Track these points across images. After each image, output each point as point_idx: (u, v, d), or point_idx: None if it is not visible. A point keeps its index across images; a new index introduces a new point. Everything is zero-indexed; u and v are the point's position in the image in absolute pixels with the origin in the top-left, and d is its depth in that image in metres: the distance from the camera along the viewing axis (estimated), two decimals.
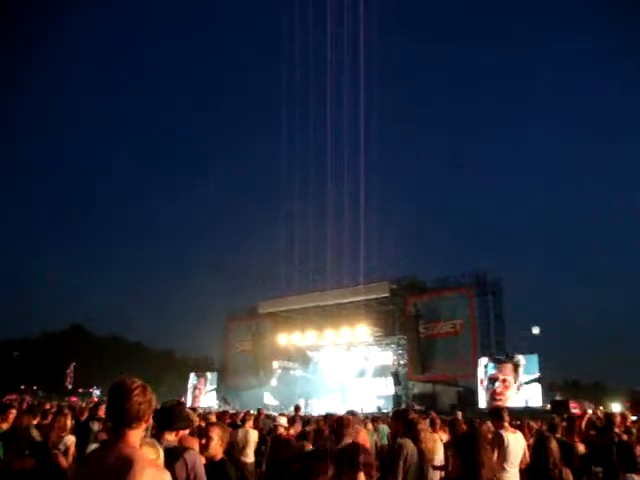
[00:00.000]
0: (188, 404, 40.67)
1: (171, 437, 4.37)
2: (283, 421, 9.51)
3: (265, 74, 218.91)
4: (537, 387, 30.05)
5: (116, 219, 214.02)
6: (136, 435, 2.72)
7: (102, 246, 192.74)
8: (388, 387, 37.83)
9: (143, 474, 2.53)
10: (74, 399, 42.97)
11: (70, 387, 49.84)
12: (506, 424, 6.80)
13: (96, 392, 50.02)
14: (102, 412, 10.20)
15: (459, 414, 9.99)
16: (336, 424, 5.89)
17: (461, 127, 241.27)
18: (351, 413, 7.33)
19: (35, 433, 7.00)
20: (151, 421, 3.02)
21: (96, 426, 8.11)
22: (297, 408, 14.48)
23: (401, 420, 6.18)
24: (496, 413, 7.10)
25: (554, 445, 4.99)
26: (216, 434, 4.79)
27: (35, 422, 7.86)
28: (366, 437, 6.07)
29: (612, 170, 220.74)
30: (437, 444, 7.13)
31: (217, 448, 4.71)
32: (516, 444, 6.47)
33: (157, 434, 4.37)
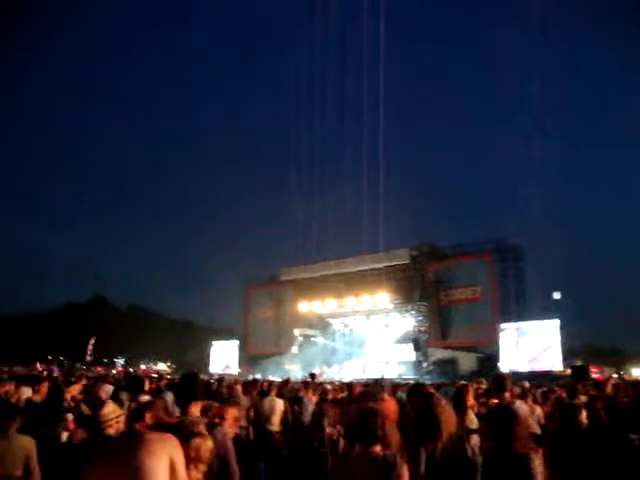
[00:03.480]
0: (211, 372, 41.17)
1: (196, 409, 4.30)
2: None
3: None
4: (558, 352, 30.07)
5: (135, 190, 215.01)
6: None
7: (123, 217, 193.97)
8: (408, 353, 37.96)
9: None
10: (99, 369, 43.63)
11: (90, 359, 50.53)
12: (507, 394, 6.55)
13: (120, 361, 50.69)
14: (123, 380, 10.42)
15: (483, 381, 9.92)
16: (358, 397, 5.56)
17: (479, 91, 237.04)
18: (378, 381, 7.35)
19: (84, 407, 7.17)
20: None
21: (124, 396, 8.20)
22: (312, 376, 14.29)
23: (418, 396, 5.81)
24: (498, 382, 6.75)
25: (583, 416, 4.87)
26: (230, 415, 4.92)
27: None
28: (393, 407, 5.95)
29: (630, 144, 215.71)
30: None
31: (229, 428, 4.81)
32: None
33: (182, 408, 4.27)
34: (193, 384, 4.39)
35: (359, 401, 5.74)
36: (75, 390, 8.13)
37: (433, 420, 4.65)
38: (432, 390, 5.96)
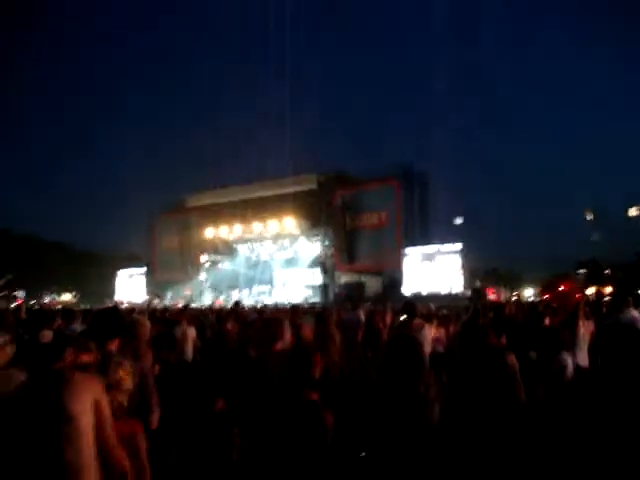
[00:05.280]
0: (117, 300, 40.53)
1: (114, 345, 4.07)
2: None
3: None
4: (459, 275, 31.27)
5: (32, 112, 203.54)
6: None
7: (19, 142, 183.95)
8: (316, 278, 38.42)
9: None
10: None
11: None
12: (417, 320, 6.82)
13: (20, 294, 48.79)
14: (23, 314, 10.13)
15: (388, 305, 10.19)
16: (266, 328, 5.11)
17: (387, 17, 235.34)
18: (293, 307, 7.39)
19: None
20: None
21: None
22: (237, 304, 14.02)
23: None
24: (408, 308, 7.06)
25: (491, 337, 5.10)
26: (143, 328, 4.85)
27: None
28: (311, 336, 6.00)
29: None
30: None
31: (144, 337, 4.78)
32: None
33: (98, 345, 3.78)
34: (112, 320, 4.15)
35: (266, 329, 5.62)
36: None
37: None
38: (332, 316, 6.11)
